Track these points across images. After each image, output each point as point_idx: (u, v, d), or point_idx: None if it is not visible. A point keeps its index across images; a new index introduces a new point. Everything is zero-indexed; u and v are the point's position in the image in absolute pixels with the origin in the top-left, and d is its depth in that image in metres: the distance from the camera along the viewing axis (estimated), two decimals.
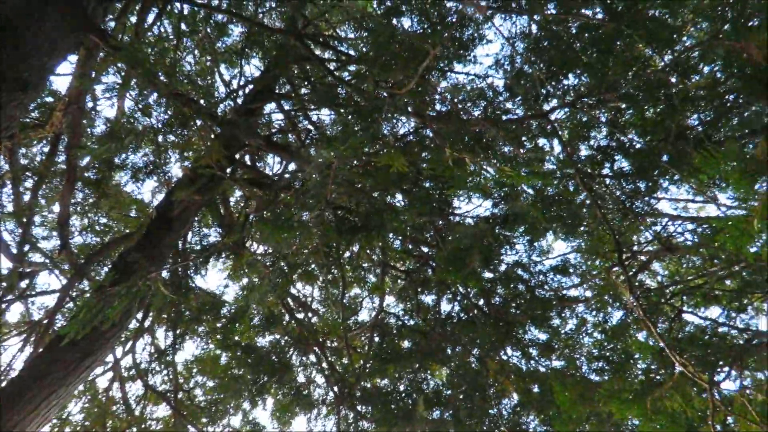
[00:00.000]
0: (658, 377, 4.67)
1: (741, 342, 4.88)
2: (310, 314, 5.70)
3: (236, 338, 5.75)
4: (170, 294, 3.41)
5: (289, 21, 5.31)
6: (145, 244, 4.17)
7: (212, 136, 4.66)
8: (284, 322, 5.55)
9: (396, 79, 2.76)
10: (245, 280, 5.13)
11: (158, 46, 5.42)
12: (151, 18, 5.90)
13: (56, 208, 5.80)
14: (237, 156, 5.25)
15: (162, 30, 6.42)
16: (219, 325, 5.64)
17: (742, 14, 3.01)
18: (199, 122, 4.64)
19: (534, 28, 5.16)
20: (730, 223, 1.99)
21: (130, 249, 4.09)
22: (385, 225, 2.66)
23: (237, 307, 4.78)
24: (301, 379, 5.63)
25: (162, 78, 4.92)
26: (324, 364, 5.51)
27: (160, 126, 4.31)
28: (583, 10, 5.04)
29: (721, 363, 4.72)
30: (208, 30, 6.03)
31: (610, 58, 4.66)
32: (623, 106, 5.02)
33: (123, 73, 5.12)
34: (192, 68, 6.59)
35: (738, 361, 4.57)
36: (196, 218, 5.67)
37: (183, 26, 6.43)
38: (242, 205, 4.42)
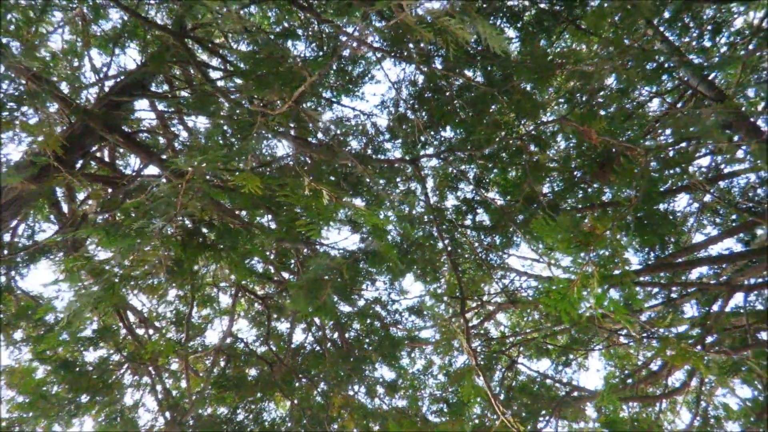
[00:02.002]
0: (488, 423, 4.94)
1: (563, 394, 5.35)
2: (151, 331, 5.24)
3: (60, 349, 5.10)
4: None
5: (177, 20, 5.04)
6: None
7: (68, 122, 4.18)
8: (120, 337, 5.05)
9: (272, 99, 2.70)
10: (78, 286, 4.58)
11: (16, 11, 4.82)
12: None
13: None
14: (94, 148, 4.77)
15: None
16: (40, 333, 4.98)
17: (590, 100, 3.38)
18: (55, 106, 4.15)
19: (420, 78, 5.44)
20: (554, 287, 2.17)
21: None
22: (236, 246, 2.54)
23: (64, 315, 4.23)
24: (128, 401, 5.12)
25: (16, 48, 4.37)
26: (158, 387, 5.07)
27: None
28: (466, 71, 5.42)
29: (543, 412, 5.12)
30: (85, 9, 5.52)
31: (483, 119, 5.03)
32: (490, 165, 5.42)
33: None
34: (59, 47, 5.96)
35: (557, 412, 4.99)
36: (32, 211, 5.03)
37: None
38: (80, 202, 3.97)
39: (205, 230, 2.52)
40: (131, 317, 5.30)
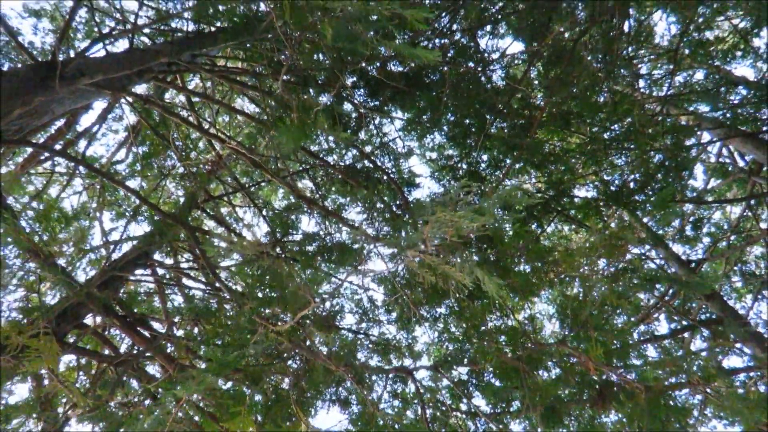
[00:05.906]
0: None
1: None
2: None
3: None
4: None
5: (189, 196, 5.35)
6: None
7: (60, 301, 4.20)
8: None
9: (274, 312, 2.78)
10: None
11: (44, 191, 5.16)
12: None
13: None
14: (88, 320, 4.76)
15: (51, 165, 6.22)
16: None
17: (581, 321, 3.41)
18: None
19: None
20: None
21: None
22: None
23: None
24: None
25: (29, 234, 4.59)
26: None
27: None
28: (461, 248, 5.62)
29: None
30: (105, 180, 5.91)
31: (478, 306, 5.10)
32: (485, 343, 5.36)
33: None
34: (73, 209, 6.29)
35: None
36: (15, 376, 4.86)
37: (81, 168, 6.28)
38: (65, 409, 3.79)
39: None
40: None
